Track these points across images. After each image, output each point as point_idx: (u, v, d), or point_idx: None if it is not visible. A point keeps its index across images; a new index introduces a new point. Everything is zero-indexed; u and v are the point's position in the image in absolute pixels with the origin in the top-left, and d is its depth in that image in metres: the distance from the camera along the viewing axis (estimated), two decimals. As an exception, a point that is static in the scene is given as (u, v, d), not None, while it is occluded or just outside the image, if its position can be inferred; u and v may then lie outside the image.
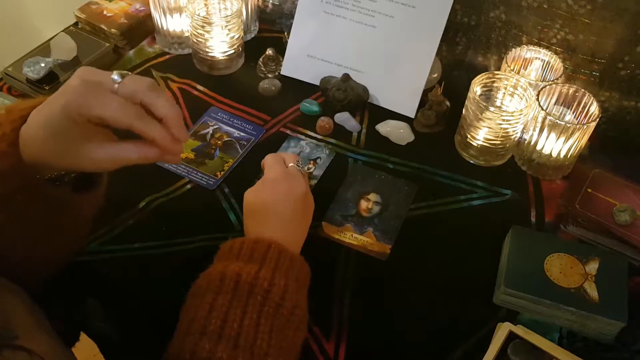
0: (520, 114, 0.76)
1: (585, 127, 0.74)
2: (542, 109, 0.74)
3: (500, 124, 0.77)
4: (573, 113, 0.79)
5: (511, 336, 0.62)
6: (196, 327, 0.53)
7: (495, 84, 0.81)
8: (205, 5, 0.94)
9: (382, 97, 0.89)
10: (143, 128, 0.51)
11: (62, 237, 0.60)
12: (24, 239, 0.56)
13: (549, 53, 0.83)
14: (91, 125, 0.51)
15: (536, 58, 0.84)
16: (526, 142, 0.80)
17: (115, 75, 0.52)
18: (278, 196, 0.66)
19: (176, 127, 0.53)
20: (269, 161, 0.71)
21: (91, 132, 0.52)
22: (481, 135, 0.79)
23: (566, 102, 0.79)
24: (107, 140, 0.54)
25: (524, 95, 0.79)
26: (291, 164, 0.71)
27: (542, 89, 0.77)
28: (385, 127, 0.86)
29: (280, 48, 0.95)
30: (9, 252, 0.54)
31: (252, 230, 0.65)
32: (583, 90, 0.77)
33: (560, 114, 0.79)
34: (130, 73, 0.52)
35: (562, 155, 0.78)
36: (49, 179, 0.57)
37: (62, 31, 0.96)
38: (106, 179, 0.62)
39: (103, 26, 0.98)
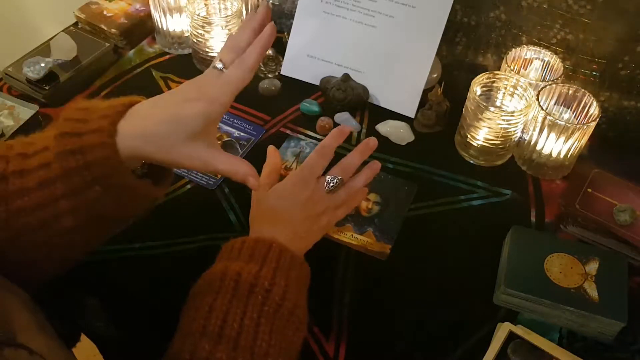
0: (520, 114, 0.76)
1: (585, 127, 0.74)
2: (542, 109, 0.74)
3: (500, 124, 0.77)
4: (573, 113, 0.79)
5: (511, 336, 0.62)
6: (196, 327, 0.52)
7: (495, 84, 0.81)
8: (205, 5, 0.94)
9: (382, 97, 0.89)
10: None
11: (102, 235, 0.62)
12: (70, 234, 0.57)
13: (549, 53, 0.83)
14: (212, 128, 0.59)
15: (536, 58, 0.84)
16: (526, 142, 0.80)
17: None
18: (294, 201, 0.65)
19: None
20: (314, 164, 0.68)
21: (205, 133, 0.58)
22: (481, 135, 0.79)
23: (566, 102, 0.79)
24: (211, 143, 0.59)
25: (524, 95, 0.79)
26: (330, 178, 0.68)
27: (542, 89, 0.77)
28: (385, 127, 0.86)
29: (280, 48, 0.95)
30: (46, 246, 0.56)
31: (254, 226, 0.65)
32: (583, 90, 0.77)
33: (560, 114, 0.79)
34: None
35: (562, 155, 0.78)
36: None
37: (62, 31, 0.96)
38: (172, 177, 0.65)
39: (103, 26, 0.98)
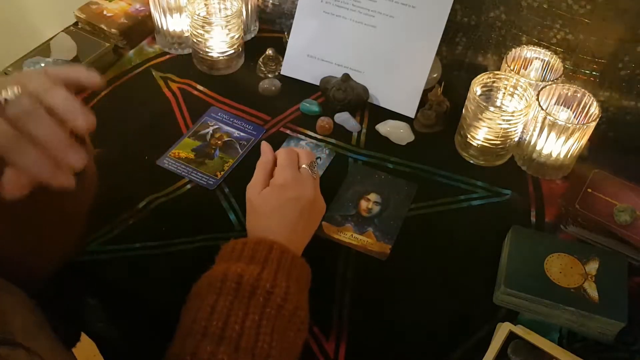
0: (520, 114, 0.76)
1: (585, 127, 0.74)
2: (542, 109, 0.74)
3: (500, 124, 0.77)
4: (573, 113, 0.79)
5: (511, 336, 0.62)
6: (197, 328, 0.52)
7: (495, 84, 0.81)
8: (205, 5, 0.94)
9: (382, 97, 0.89)
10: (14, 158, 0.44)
11: (57, 233, 0.60)
12: (18, 238, 0.55)
13: (549, 53, 0.83)
14: None
15: (536, 58, 0.84)
16: (526, 142, 0.80)
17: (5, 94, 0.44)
18: (285, 202, 0.65)
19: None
20: (282, 159, 0.70)
21: None
22: (481, 135, 0.79)
23: (566, 102, 0.79)
24: None
25: (524, 95, 0.79)
26: (304, 166, 0.70)
27: (542, 89, 0.77)
28: (385, 127, 0.86)
29: (280, 48, 0.95)
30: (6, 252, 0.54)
31: (255, 230, 0.65)
32: (583, 90, 0.77)
33: (560, 114, 0.79)
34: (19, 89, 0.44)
35: (562, 155, 0.78)
36: None
37: (62, 31, 0.96)
38: (92, 169, 0.59)
39: (103, 26, 0.98)
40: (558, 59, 0.82)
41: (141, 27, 1.00)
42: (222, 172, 0.80)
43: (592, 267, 0.66)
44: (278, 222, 0.64)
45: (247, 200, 0.68)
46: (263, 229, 0.64)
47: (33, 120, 0.44)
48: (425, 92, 0.86)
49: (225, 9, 0.94)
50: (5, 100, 0.44)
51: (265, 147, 0.74)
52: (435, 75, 0.90)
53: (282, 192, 0.66)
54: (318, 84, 0.91)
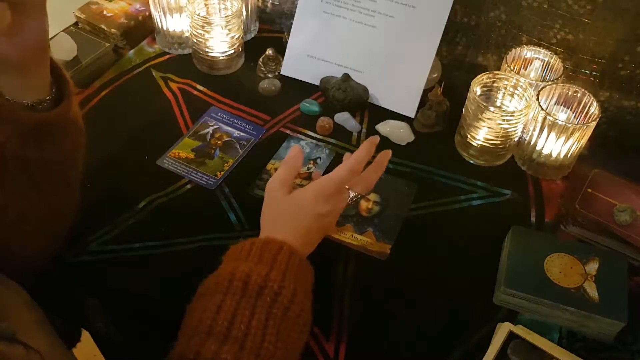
0: (520, 114, 0.76)
1: (585, 127, 0.74)
2: (542, 109, 0.74)
3: (500, 124, 0.77)
4: (573, 113, 0.79)
5: (511, 336, 0.62)
6: (202, 327, 0.52)
7: (495, 84, 0.81)
8: (205, 5, 0.94)
9: (382, 97, 0.89)
10: None
11: (59, 190, 0.61)
12: (22, 199, 0.57)
13: (549, 53, 0.83)
14: None
15: (536, 58, 0.84)
16: (526, 142, 0.80)
17: None
18: (312, 213, 0.64)
19: None
20: (341, 176, 0.66)
21: None
22: (481, 135, 0.79)
23: (566, 102, 0.79)
24: None
25: (524, 95, 0.79)
26: (352, 195, 0.68)
27: (542, 89, 0.77)
28: (385, 127, 0.86)
29: (280, 48, 0.95)
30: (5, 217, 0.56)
31: (268, 224, 0.65)
32: (583, 90, 0.77)
33: (560, 114, 0.79)
34: None
35: (562, 155, 0.78)
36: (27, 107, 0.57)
37: (62, 31, 0.96)
38: (72, 89, 0.61)
39: (103, 26, 0.98)
40: (558, 59, 0.82)
41: (141, 27, 1.00)
42: (222, 172, 0.80)
43: (592, 267, 0.66)
44: (295, 225, 0.63)
45: (270, 194, 0.66)
46: (279, 229, 0.62)
47: None
48: (425, 92, 0.86)
49: (225, 9, 0.94)
50: None
51: (296, 151, 0.70)
52: (435, 75, 0.90)
53: (316, 204, 0.64)
54: (318, 84, 0.91)
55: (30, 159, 0.56)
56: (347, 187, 0.66)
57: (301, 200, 0.64)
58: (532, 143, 0.79)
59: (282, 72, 0.94)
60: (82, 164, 0.64)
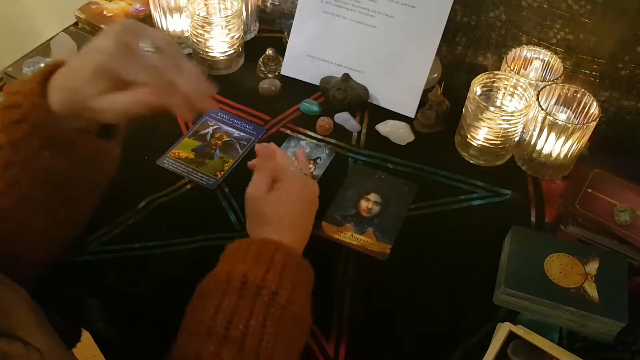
0: (520, 114, 0.76)
1: (585, 127, 0.74)
2: (542, 109, 0.74)
3: (500, 124, 0.77)
4: (573, 113, 0.79)
5: (511, 336, 0.62)
6: (201, 328, 0.52)
7: (495, 84, 0.81)
8: (205, 5, 0.94)
9: (382, 97, 0.89)
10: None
11: (80, 201, 0.62)
12: (45, 205, 0.58)
13: (549, 53, 0.83)
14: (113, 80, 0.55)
15: (536, 58, 0.84)
16: (526, 142, 0.80)
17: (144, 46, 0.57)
18: (295, 210, 0.66)
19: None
20: (285, 163, 0.71)
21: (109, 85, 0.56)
22: (481, 135, 0.79)
23: (566, 102, 0.79)
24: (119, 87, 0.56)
25: (524, 95, 0.79)
26: (304, 171, 0.71)
27: (542, 89, 0.77)
28: (385, 127, 0.86)
29: (280, 48, 0.95)
30: (30, 220, 0.57)
31: (258, 232, 0.65)
32: (583, 90, 0.77)
33: (560, 114, 0.79)
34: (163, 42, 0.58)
35: (562, 155, 0.78)
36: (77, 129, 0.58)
37: (62, 31, 0.97)
38: (122, 131, 0.65)
39: (103, 26, 0.98)
40: (558, 59, 0.82)
41: (141, 27, 1.00)
42: (222, 172, 0.80)
43: (592, 267, 0.66)
44: (282, 224, 0.64)
45: (250, 202, 0.67)
46: (270, 232, 0.63)
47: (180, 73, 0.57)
48: (425, 92, 0.86)
49: (225, 9, 0.94)
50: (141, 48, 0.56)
51: (261, 148, 0.73)
52: (435, 75, 0.90)
53: (291, 197, 0.67)
54: (318, 84, 0.91)
55: (62, 173, 0.58)
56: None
57: (275, 199, 0.67)
58: (532, 143, 0.79)
59: (282, 72, 0.94)
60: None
